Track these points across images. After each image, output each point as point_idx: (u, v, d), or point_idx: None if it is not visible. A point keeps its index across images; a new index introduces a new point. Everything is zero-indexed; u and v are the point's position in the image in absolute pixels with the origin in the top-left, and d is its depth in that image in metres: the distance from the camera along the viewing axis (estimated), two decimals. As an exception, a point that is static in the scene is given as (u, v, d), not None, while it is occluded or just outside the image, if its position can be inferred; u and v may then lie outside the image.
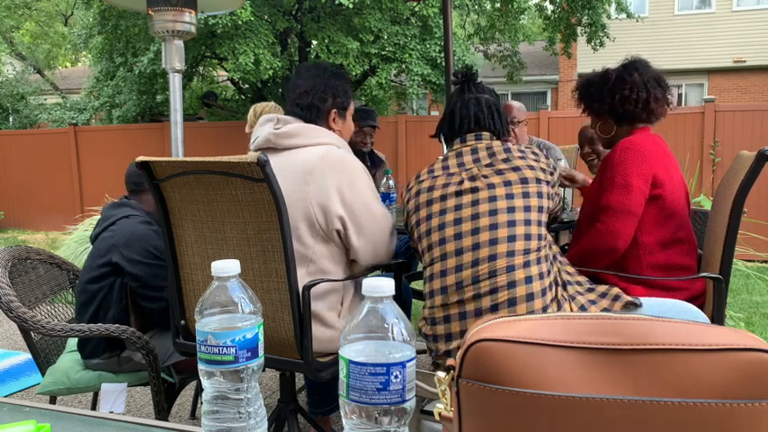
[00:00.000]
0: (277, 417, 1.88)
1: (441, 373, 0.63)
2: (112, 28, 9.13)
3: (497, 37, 11.20)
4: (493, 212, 1.59)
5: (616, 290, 1.68)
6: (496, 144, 1.71)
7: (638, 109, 1.94)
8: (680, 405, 0.53)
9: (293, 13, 8.70)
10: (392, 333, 0.65)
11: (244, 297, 0.76)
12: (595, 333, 0.57)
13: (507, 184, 1.62)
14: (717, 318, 1.73)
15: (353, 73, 8.17)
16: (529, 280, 1.53)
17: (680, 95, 14.51)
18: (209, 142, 9.02)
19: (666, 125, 6.68)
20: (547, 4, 9.74)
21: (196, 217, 1.70)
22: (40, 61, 16.98)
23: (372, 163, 3.77)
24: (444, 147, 2.05)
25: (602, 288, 1.68)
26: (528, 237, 1.57)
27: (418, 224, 1.70)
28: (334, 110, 1.85)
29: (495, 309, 1.53)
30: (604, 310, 1.61)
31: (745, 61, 13.76)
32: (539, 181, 1.64)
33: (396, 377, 0.63)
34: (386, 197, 2.75)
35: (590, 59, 11.53)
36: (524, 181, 1.62)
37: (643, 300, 1.71)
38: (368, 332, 0.65)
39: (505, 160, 1.66)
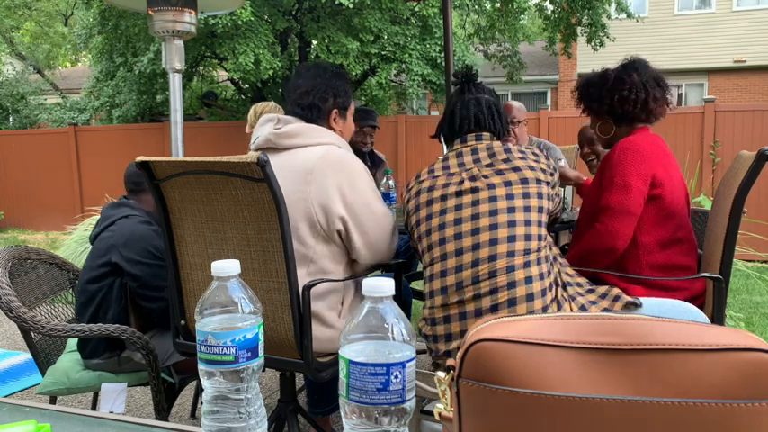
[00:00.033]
0: (277, 417, 1.88)
1: (441, 373, 0.63)
2: (112, 28, 9.13)
3: (497, 37, 11.20)
4: (493, 213, 1.59)
5: (616, 290, 1.68)
6: (497, 144, 1.71)
7: (637, 109, 1.94)
8: (680, 405, 0.53)
9: (293, 13, 8.70)
10: (392, 333, 0.65)
11: (244, 297, 0.76)
12: (595, 333, 0.57)
13: (507, 184, 1.62)
14: (717, 318, 1.73)
15: (353, 73, 8.17)
16: (529, 280, 1.53)
17: (680, 95, 14.51)
18: (209, 142, 9.03)
19: (666, 125, 6.68)
20: (547, 4, 9.74)
21: (196, 217, 1.70)
22: (40, 61, 16.99)
23: (372, 163, 3.77)
24: (444, 147, 2.05)
25: (602, 289, 1.68)
26: (528, 237, 1.57)
27: (418, 224, 1.70)
28: (335, 110, 1.86)
29: (495, 309, 1.53)
30: (604, 310, 1.61)
31: (745, 61, 13.76)
32: (539, 181, 1.64)
33: (396, 377, 0.63)
34: (386, 197, 2.75)
35: (590, 59, 11.53)
36: (524, 181, 1.62)
37: (643, 300, 1.71)
38: (368, 332, 0.65)
39: (506, 160, 1.66)
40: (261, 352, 0.76)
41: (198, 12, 2.76)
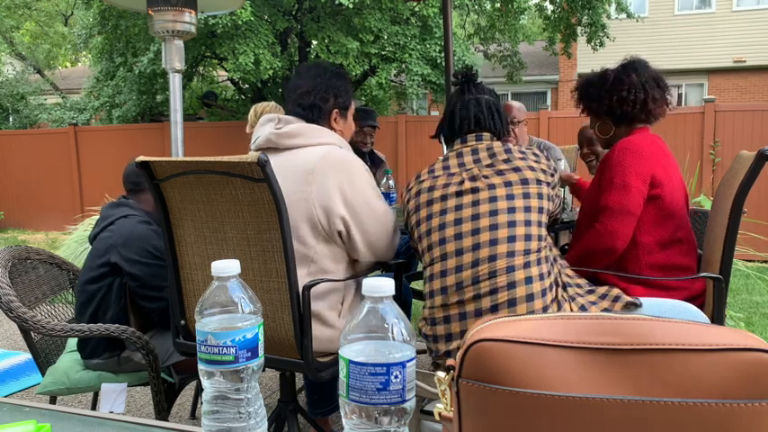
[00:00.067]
0: (277, 417, 1.88)
1: (441, 373, 0.63)
2: (112, 28, 9.14)
3: (497, 37, 11.20)
4: (493, 213, 1.59)
5: (616, 291, 1.68)
6: (497, 144, 1.71)
7: (636, 110, 1.94)
8: (680, 405, 0.53)
9: (293, 13, 8.70)
10: (392, 333, 0.65)
11: (244, 297, 0.76)
12: (595, 333, 0.57)
13: (508, 184, 1.62)
14: (717, 318, 1.73)
15: (353, 73, 8.17)
16: (529, 281, 1.53)
17: (680, 95, 14.51)
18: (209, 142, 9.02)
19: (666, 125, 6.68)
20: (547, 4, 9.74)
21: (196, 217, 1.70)
22: (40, 61, 16.99)
23: (372, 163, 3.77)
24: (444, 147, 2.05)
25: (602, 289, 1.68)
26: (528, 237, 1.57)
27: (418, 224, 1.70)
28: (336, 110, 1.86)
29: (495, 309, 1.53)
30: (605, 310, 1.61)
31: (745, 61, 13.76)
32: (539, 182, 1.64)
33: (396, 377, 0.63)
34: (386, 197, 2.75)
35: (590, 59, 11.53)
36: (525, 182, 1.62)
37: (643, 300, 1.71)
38: (368, 332, 0.65)
39: (506, 161, 1.66)
40: (261, 352, 0.76)
41: (198, 12, 2.76)
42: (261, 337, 0.76)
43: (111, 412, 1.06)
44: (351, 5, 7.40)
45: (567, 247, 2.17)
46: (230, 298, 0.75)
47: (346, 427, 0.66)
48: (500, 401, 0.57)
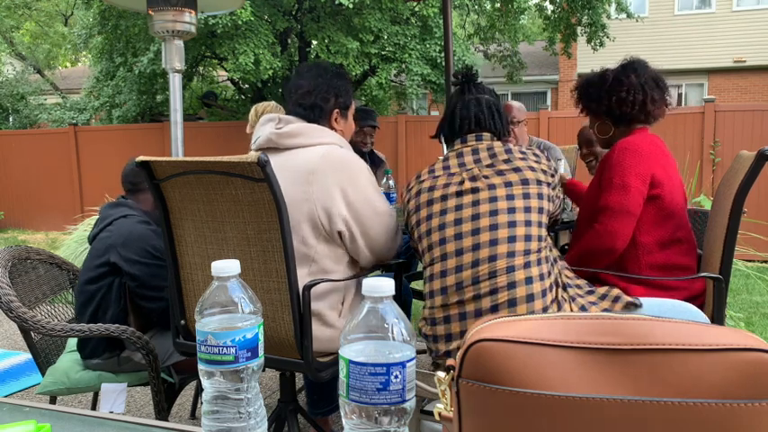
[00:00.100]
0: (277, 417, 1.88)
1: (441, 373, 0.63)
2: (112, 28, 9.14)
3: (497, 37, 11.20)
4: (493, 213, 1.59)
5: (616, 291, 1.68)
6: (497, 145, 1.71)
7: (635, 110, 1.94)
8: (680, 405, 0.53)
9: (293, 13, 8.70)
10: (392, 333, 0.65)
11: (244, 297, 0.76)
12: (595, 333, 0.57)
13: (508, 184, 1.62)
14: (717, 318, 1.73)
15: (353, 73, 8.17)
16: (529, 281, 1.53)
17: (680, 95, 14.51)
18: (209, 142, 9.02)
19: (666, 125, 6.68)
20: (547, 4, 9.74)
21: (196, 217, 1.70)
22: (40, 61, 16.99)
23: (372, 163, 3.77)
24: (444, 147, 2.05)
25: (602, 290, 1.68)
26: (528, 238, 1.57)
27: (418, 224, 1.70)
28: (337, 109, 1.86)
29: (495, 309, 1.53)
30: (605, 311, 1.61)
31: (745, 61, 13.76)
32: (539, 182, 1.63)
33: (396, 377, 0.63)
34: (386, 197, 2.75)
35: (590, 59, 11.53)
36: (525, 182, 1.62)
37: (643, 300, 1.71)
38: (368, 332, 0.65)
39: (506, 161, 1.66)
40: (261, 352, 0.76)
41: (198, 12, 2.76)
42: (261, 337, 0.76)
43: (111, 412, 1.06)
44: (351, 5, 7.40)
45: (566, 247, 2.17)
46: (230, 298, 0.75)
47: (346, 427, 0.66)
48: (500, 401, 0.57)
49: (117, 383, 1.96)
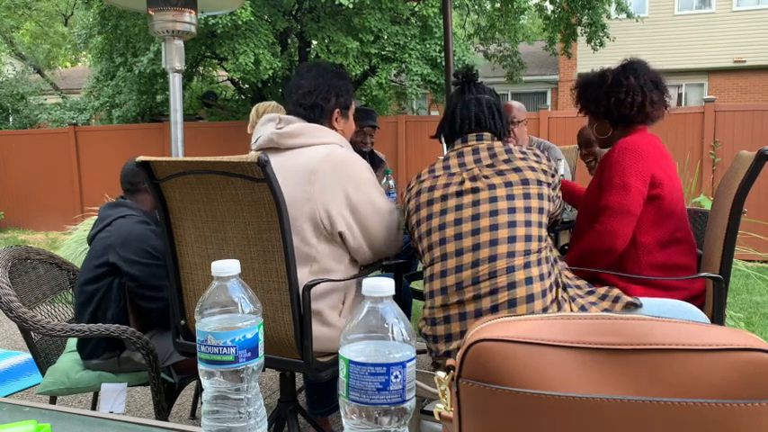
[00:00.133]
0: (277, 417, 1.88)
1: (441, 373, 0.63)
2: (112, 28, 9.14)
3: (497, 37, 11.20)
4: (493, 213, 1.59)
5: (616, 291, 1.68)
6: (498, 144, 1.71)
7: (634, 112, 1.94)
8: (680, 405, 0.53)
9: (293, 13, 8.70)
10: (392, 333, 0.65)
11: (244, 297, 0.76)
12: (595, 333, 0.57)
13: (508, 184, 1.62)
14: (717, 318, 1.73)
15: (353, 73, 8.17)
16: (529, 281, 1.53)
17: (680, 95, 14.51)
18: (209, 142, 9.02)
19: (666, 125, 6.68)
20: (547, 4, 9.74)
21: (196, 217, 1.70)
22: (40, 61, 16.99)
23: (372, 163, 3.77)
24: (445, 147, 2.04)
25: (602, 290, 1.68)
26: (528, 238, 1.57)
27: (419, 224, 1.70)
28: (338, 109, 1.86)
29: (495, 310, 1.53)
30: (605, 311, 1.61)
31: (745, 61, 13.76)
32: (539, 182, 1.63)
33: (396, 377, 0.63)
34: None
35: (590, 59, 11.53)
36: (525, 182, 1.62)
37: (643, 300, 1.71)
38: (368, 332, 0.65)
39: (507, 161, 1.66)
40: (261, 352, 0.76)
41: (198, 12, 2.76)
42: (261, 337, 0.76)
43: (111, 412, 1.06)
44: (351, 5, 7.40)
45: (566, 247, 2.17)
46: (230, 298, 0.75)
47: (346, 427, 0.66)
48: (500, 401, 0.57)
49: (117, 383, 1.96)
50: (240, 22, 7.27)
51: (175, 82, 2.79)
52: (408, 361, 0.65)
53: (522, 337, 0.58)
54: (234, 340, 0.73)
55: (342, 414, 0.67)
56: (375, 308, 0.66)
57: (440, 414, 0.65)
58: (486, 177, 1.64)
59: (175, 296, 1.82)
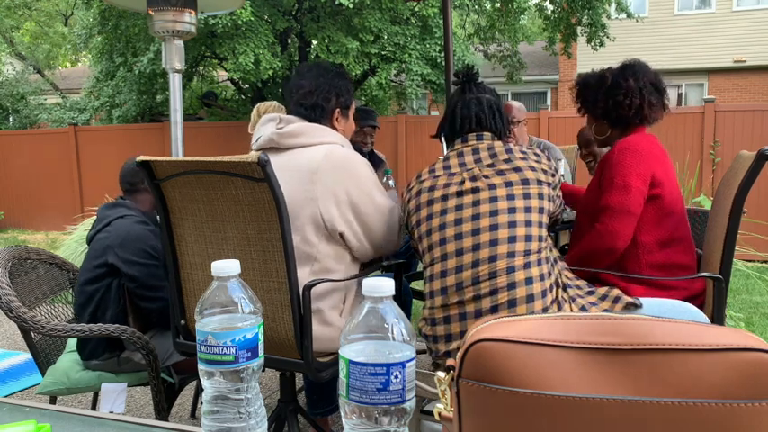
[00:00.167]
0: (277, 417, 1.88)
1: (441, 373, 0.63)
2: (112, 28, 9.13)
3: (497, 37, 11.20)
4: (494, 213, 1.59)
5: (616, 291, 1.68)
6: (498, 144, 1.71)
7: (632, 114, 1.94)
8: (680, 405, 0.53)
9: (293, 13, 8.70)
10: (392, 333, 0.65)
11: (244, 297, 0.76)
12: (595, 333, 0.57)
13: (508, 184, 1.62)
14: (717, 318, 1.73)
15: (353, 73, 8.17)
16: (529, 281, 1.53)
17: (680, 95, 14.51)
18: (209, 142, 9.03)
19: (666, 125, 6.68)
20: (547, 4, 9.74)
21: (196, 217, 1.70)
22: (40, 61, 16.98)
23: (372, 163, 3.76)
24: (445, 147, 2.04)
25: (602, 290, 1.68)
26: (528, 238, 1.57)
27: (419, 224, 1.70)
28: (338, 109, 1.86)
29: (495, 310, 1.53)
30: (605, 311, 1.61)
31: (745, 61, 13.76)
32: (540, 182, 1.63)
33: (396, 377, 0.63)
34: (386, 197, 2.74)
35: (590, 59, 11.53)
36: (525, 182, 1.62)
37: (643, 300, 1.71)
38: (368, 332, 0.65)
39: (507, 161, 1.66)
40: (261, 352, 0.76)
41: (198, 12, 2.76)
42: (261, 337, 0.76)
43: (111, 412, 1.06)
44: (351, 5, 7.40)
45: (566, 247, 2.17)
46: (230, 298, 0.75)
47: (346, 427, 0.66)
48: (500, 401, 0.57)
49: (117, 383, 1.96)
50: (240, 22, 7.27)
51: (175, 82, 2.79)
52: (408, 361, 0.65)
53: (522, 337, 0.58)
54: (234, 340, 0.73)
55: (342, 414, 0.67)
56: (375, 308, 0.66)
57: (440, 414, 0.65)
58: (486, 177, 1.64)
59: (175, 296, 1.82)
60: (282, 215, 1.53)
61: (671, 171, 1.90)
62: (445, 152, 1.87)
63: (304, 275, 1.64)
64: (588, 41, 9.65)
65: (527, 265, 1.54)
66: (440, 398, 0.65)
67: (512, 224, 1.57)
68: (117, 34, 9.31)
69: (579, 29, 9.53)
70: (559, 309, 1.56)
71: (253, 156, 1.48)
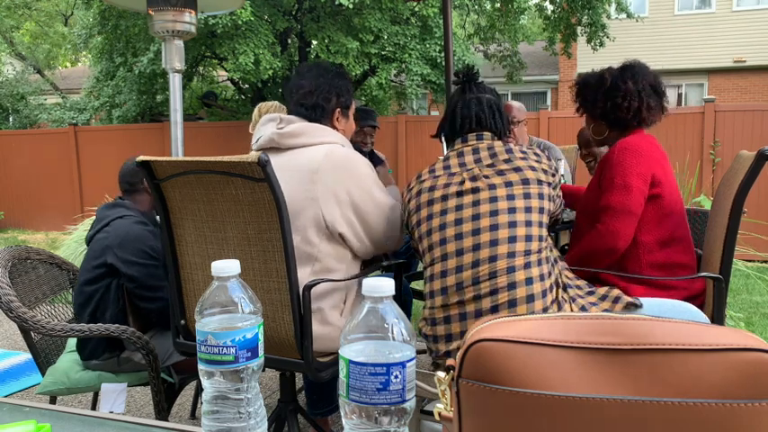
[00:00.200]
0: (277, 417, 1.88)
1: (441, 373, 0.63)
2: (112, 28, 9.14)
3: (497, 37, 11.20)
4: (494, 213, 1.59)
5: (616, 291, 1.68)
6: (498, 144, 1.71)
7: (630, 116, 1.94)
8: (680, 405, 0.53)
9: (293, 13, 8.70)
10: (392, 333, 0.65)
11: (244, 297, 0.76)
12: (595, 333, 0.57)
13: (508, 184, 1.62)
14: (717, 318, 1.73)
15: (353, 73, 8.17)
16: (529, 281, 1.53)
17: (680, 95, 14.51)
18: (209, 142, 9.03)
19: (666, 125, 6.68)
20: (547, 4, 9.74)
21: (197, 217, 1.70)
22: (40, 61, 16.99)
23: (373, 163, 3.76)
24: (445, 147, 2.04)
25: (602, 290, 1.68)
26: (529, 238, 1.57)
27: (419, 224, 1.70)
28: (338, 109, 1.86)
29: (495, 310, 1.53)
30: (605, 311, 1.61)
31: (745, 61, 13.76)
32: (540, 182, 1.63)
33: (396, 377, 0.63)
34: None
35: (590, 59, 11.53)
36: (526, 182, 1.62)
37: (643, 300, 1.71)
38: (368, 332, 0.65)
39: (507, 161, 1.66)
40: (261, 352, 0.76)
41: (198, 12, 2.76)
42: (261, 337, 0.76)
43: (111, 412, 1.06)
44: (351, 5, 7.40)
45: (566, 247, 2.17)
46: (230, 298, 0.75)
47: (346, 427, 0.66)
48: (500, 401, 0.57)
49: (117, 383, 1.96)
50: (240, 22, 7.28)
51: (175, 82, 2.79)
52: (408, 361, 0.65)
53: (522, 337, 0.58)
54: (234, 340, 0.73)
55: (342, 414, 0.67)
56: (375, 308, 0.66)
57: (440, 414, 0.65)
58: (486, 177, 1.64)
59: (175, 296, 1.82)
60: (283, 215, 1.53)
61: (670, 172, 1.90)
62: (445, 152, 1.87)
63: (305, 275, 1.64)
64: (588, 41, 9.65)
65: (527, 266, 1.54)
66: (440, 398, 0.65)
67: (512, 224, 1.57)
68: (117, 34, 9.31)
69: (579, 29, 9.54)
70: (559, 309, 1.56)
71: (253, 156, 1.48)
